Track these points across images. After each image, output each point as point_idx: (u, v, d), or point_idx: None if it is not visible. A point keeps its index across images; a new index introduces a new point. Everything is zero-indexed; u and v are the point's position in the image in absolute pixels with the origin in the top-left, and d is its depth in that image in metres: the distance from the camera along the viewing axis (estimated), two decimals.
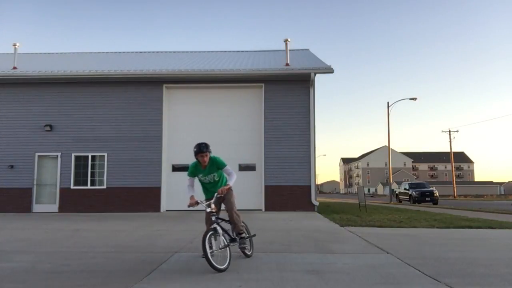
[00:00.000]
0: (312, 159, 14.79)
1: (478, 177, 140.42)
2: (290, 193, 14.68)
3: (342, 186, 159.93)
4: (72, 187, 15.00)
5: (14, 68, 15.90)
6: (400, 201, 31.32)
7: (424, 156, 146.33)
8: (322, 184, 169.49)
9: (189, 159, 6.29)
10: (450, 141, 53.61)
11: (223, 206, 5.48)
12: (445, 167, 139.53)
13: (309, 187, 14.71)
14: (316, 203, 14.71)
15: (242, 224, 5.50)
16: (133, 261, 5.48)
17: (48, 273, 4.78)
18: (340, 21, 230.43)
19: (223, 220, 5.29)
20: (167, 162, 15.39)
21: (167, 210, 15.10)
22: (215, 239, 4.89)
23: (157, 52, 21.60)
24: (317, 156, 17.13)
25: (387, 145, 35.81)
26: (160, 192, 14.90)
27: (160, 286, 4.20)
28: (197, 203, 5.17)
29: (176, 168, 15.42)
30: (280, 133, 15.00)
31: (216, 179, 5.46)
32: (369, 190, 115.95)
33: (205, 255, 4.60)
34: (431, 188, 29.24)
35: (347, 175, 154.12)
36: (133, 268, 5.05)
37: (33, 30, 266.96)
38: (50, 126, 15.21)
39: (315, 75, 14.83)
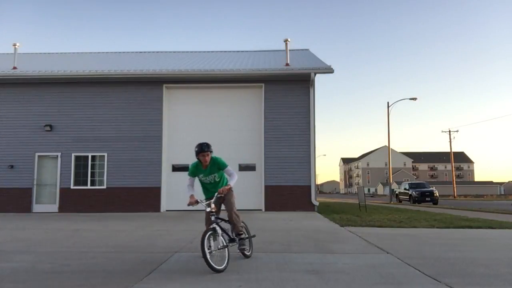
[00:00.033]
0: (312, 159, 14.79)
1: (478, 177, 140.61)
2: (290, 193, 14.68)
3: (342, 186, 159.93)
4: (72, 187, 15.01)
5: (14, 68, 15.91)
6: (400, 201, 31.31)
7: (424, 156, 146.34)
8: (322, 184, 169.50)
9: (189, 159, 6.29)
10: (450, 141, 53.65)
11: (223, 207, 5.47)
12: (445, 167, 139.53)
13: (309, 187, 14.72)
14: (316, 203, 14.72)
15: (242, 224, 5.49)
16: (133, 261, 5.48)
17: (48, 273, 4.78)
18: (340, 21, 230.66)
19: (222, 220, 5.27)
20: (167, 162, 15.39)
21: (167, 210, 15.11)
22: (214, 239, 4.88)
23: (157, 52, 21.60)
24: (317, 156, 17.15)
25: (387, 145, 35.82)
26: (160, 192, 14.90)
27: (160, 286, 4.20)
28: (197, 202, 5.16)
29: (176, 168, 15.42)
30: (280, 133, 15.00)
31: (217, 179, 5.44)
32: (369, 190, 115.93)
33: (203, 255, 4.60)
34: (431, 188, 29.24)
35: (347, 175, 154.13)
36: (133, 268, 5.04)
37: (33, 30, 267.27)
38: (50, 126, 15.21)
39: (315, 75, 14.83)
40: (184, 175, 5.91)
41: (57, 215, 13.57)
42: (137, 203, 14.76)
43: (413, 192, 28.67)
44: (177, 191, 14.85)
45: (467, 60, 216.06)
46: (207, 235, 4.73)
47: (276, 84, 15.30)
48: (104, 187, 14.98)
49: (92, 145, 15.18)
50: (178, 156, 15.38)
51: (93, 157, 15.18)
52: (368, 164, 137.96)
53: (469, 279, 4.46)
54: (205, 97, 15.80)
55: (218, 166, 5.36)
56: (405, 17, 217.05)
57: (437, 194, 28.62)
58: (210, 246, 4.75)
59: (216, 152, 5.59)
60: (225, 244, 4.99)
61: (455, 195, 55.62)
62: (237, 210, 5.45)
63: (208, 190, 5.47)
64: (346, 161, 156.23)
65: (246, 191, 14.69)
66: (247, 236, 5.57)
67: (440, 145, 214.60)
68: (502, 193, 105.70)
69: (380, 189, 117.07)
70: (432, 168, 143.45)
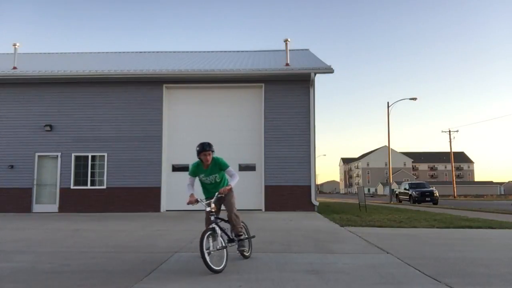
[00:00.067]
0: (312, 159, 14.79)
1: (478, 177, 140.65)
2: (290, 193, 14.68)
3: (342, 186, 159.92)
4: (72, 187, 15.01)
5: (14, 68, 15.91)
6: (400, 201, 31.32)
7: (424, 156, 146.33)
8: (322, 184, 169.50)
9: (189, 159, 6.28)
10: (450, 141, 53.64)
11: (223, 207, 5.46)
12: (445, 167, 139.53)
13: (309, 187, 14.72)
14: (316, 203, 14.72)
15: (242, 225, 5.48)
16: (133, 261, 5.48)
17: (48, 273, 4.78)
18: (340, 21, 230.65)
19: (222, 219, 5.27)
20: (167, 162, 15.39)
21: (167, 210, 15.11)
22: (214, 239, 4.87)
23: (157, 52, 21.60)
24: (317, 156, 17.15)
25: (387, 145, 35.82)
26: (160, 192, 14.90)
27: (160, 286, 4.20)
28: (197, 201, 5.15)
29: (176, 168, 15.42)
30: (280, 133, 15.01)
31: (218, 180, 5.42)
32: (369, 190, 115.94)
33: (201, 255, 4.59)
34: (431, 188, 29.24)
35: (347, 175, 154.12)
36: (133, 268, 5.04)
37: (33, 30, 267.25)
38: (50, 126, 15.21)
39: (315, 75, 14.83)
40: (184, 175, 5.90)
41: (57, 215, 13.57)
42: (137, 203, 14.76)
43: (413, 192, 28.67)
44: (177, 191, 14.85)
45: (467, 60, 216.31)
46: (206, 235, 4.72)
47: (276, 84, 15.30)
48: (104, 187, 14.98)
49: (92, 145, 15.18)
50: (178, 156, 15.38)
51: (93, 157, 15.18)
52: (368, 164, 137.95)
53: (469, 279, 4.46)
54: (205, 97, 15.80)
55: (219, 166, 5.35)
56: (405, 17, 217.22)
57: (437, 194, 28.62)
58: (209, 247, 4.73)
59: (216, 152, 5.58)
60: (224, 244, 4.99)
61: (455, 195, 55.62)
62: (237, 210, 5.44)
63: (208, 190, 5.45)
64: (346, 161, 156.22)
65: (246, 191, 14.69)
66: (246, 237, 5.56)
67: (440, 145, 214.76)
68: (502, 193, 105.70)
69: (380, 189, 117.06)
70: (432, 168, 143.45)
